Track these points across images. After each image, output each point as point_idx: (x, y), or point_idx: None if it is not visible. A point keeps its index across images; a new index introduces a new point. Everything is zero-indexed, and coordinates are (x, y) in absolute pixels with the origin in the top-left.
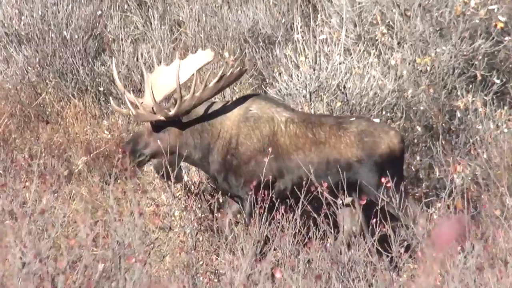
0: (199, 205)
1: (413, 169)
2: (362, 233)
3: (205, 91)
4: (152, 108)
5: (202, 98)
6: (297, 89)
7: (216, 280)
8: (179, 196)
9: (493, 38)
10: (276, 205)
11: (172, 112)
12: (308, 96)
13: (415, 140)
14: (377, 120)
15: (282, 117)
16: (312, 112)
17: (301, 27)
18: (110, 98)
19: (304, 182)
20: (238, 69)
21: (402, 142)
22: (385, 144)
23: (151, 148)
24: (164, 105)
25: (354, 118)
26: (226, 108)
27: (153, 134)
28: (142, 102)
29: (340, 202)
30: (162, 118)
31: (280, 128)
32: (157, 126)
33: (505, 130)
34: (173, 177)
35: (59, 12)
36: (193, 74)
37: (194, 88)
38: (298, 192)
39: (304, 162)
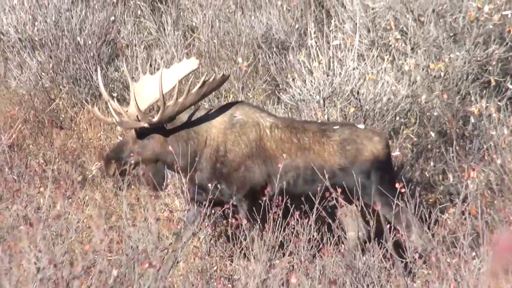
0: (213, 211)
1: (427, 175)
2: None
3: (188, 97)
4: (137, 116)
5: (185, 104)
6: (310, 95)
7: (230, 285)
8: None
9: (507, 43)
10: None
11: (155, 118)
12: (321, 101)
13: (429, 146)
14: (361, 126)
15: (267, 122)
16: (326, 118)
17: (314, 32)
18: (93, 108)
19: (291, 188)
20: (221, 75)
21: (387, 148)
22: (369, 151)
23: (135, 156)
24: (148, 113)
25: (337, 126)
26: (210, 116)
27: (138, 142)
28: (127, 111)
29: (343, 208)
30: (146, 125)
31: (265, 132)
32: (142, 134)
33: None
34: (157, 185)
35: (72, 18)
36: (177, 82)
37: (177, 94)
38: (287, 198)
39: (290, 166)
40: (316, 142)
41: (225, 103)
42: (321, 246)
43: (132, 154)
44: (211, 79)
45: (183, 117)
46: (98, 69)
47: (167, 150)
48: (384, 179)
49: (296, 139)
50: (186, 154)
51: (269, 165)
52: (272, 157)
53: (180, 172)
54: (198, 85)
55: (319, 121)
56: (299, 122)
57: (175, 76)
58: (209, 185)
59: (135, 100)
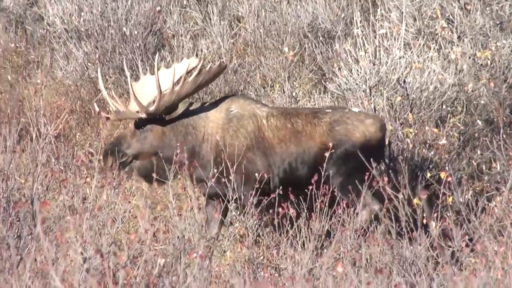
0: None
1: (474, 163)
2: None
3: (184, 85)
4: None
5: (182, 93)
6: (357, 84)
7: (277, 274)
8: None
9: None
10: (265, 201)
11: (152, 108)
12: (368, 90)
13: (476, 134)
14: (355, 109)
15: (263, 112)
16: (372, 107)
17: (360, 21)
18: (94, 104)
19: (291, 174)
20: (217, 64)
21: (380, 131)
22: (360, 132)
23: (133, 148)
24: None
25: (330, 110)
26: (207, 110)
27: (136, 134)
28: (127, 105)
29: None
30: (143, 115)
31: (262, 123)
32: (140, 126)
33: None
34: (160, 178)
35: (118, 8)
36: (175, 75)
37: (173, 83)
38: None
39: (286, 153)
40: (308, 124)
41: (219, 97)
42: (368, 234)
43: (130, 147)
44: (207, 68)
45: (180, 110)
46: (98, 69)
47: (166, 144)
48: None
49: (290, 123)
50: (185, 149)
51: (268, 155)
52: (270, 146)
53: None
54: (195, 73)
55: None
56: (293, 108)
57: (176, 75)
58: (211, 179)
59: (133, 93)
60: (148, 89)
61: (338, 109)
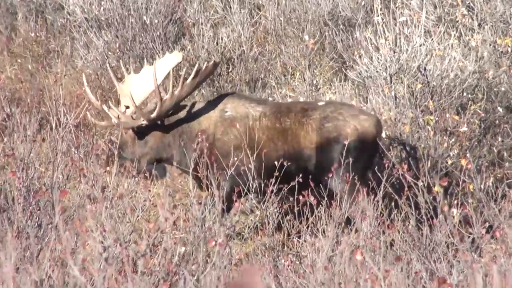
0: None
1: (495, 150)
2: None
3: (183, 88)
4: (131, 114)
5: (182, 96)
6: (377, 72)
7: (297, 262)
8: None
9: None
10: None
11: (154, 114)
12: (388, 78)
13: (497, 121)
14: (353, 103)
15: (256, 112)
16: (393, 95)
17: (381, 9)
18: (88, 113)
19: (275, 174)
20: (212, 62)
21: (374, 128)
22: (351, 128)
23: (135, 153)
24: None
25: (323, 103)
26: (203, 110)
27: (136, 140)
28: (124, 111)
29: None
30: (145, 122)
31: (255, 123)
32: (140, 132)
33: None
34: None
35: None
36: (167, 75)
37: (173, 87)
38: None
39: (274, 152)
40: (297, 122)
41: (217, 96)
42: (388, 222)
43: (132, 154)
44: (203, 68)
45: (178, 112)
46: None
47: (165, 146)
48: (364, 161)
49: (279, 123)
50: (181, 148)
51: (258, 154)
52: (260, 146)
53: (179, 167)
54: (192, 75)
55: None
56: (286, 105)
57: (161, 71)
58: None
59: (132, 98)
60: (135, 89)
61: (331, 103)
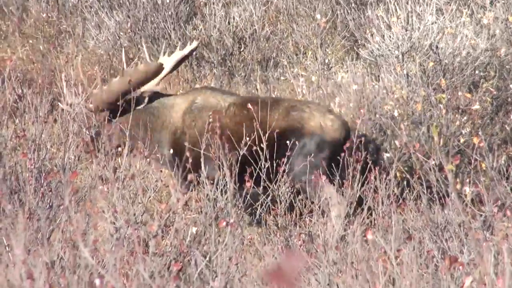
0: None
1: (507, 128)
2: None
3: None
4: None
5: (113, 91)
6: (389, 50)
7: (310, 241)
8: None
9: None
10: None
11: (90, 105)
12: (400, 56)
13: (509, 99)
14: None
15: (226, 102)
16: (405, 73)
17: None
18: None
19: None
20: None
21: (338, 130)
22: (316, 122)
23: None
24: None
25: (301, 102)
26: (173, 101)
27: (109, 127)
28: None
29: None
30: (92, 111)
31: (222, 112)
32: (108, 120)
33: None
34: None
35: None
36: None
37: (102, 82)
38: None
39: (241, 139)
40: (264, 109)
41: (191, 88)
42: (400, 201)
43: (104, 135)
44: (133, 68)
45: (147, 102)
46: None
47: (130, 134)
48: (319, 156)
49: (246, 110)
50: (146, 137)
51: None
52: (226, 131)
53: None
54: (119, 75)
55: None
56: (260, 97)
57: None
58: (171, 167)
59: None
60: None
61: (307, 101)
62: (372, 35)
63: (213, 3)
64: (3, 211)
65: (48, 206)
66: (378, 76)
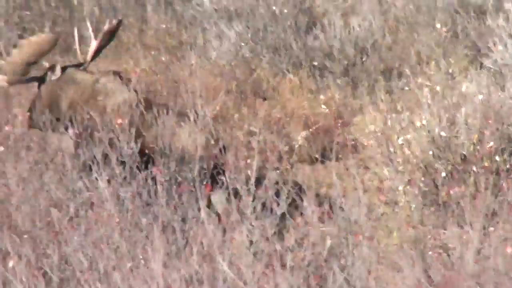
0: (422, 179)
1: None
2: None
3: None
4: None
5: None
6: None
7: (445, 254)
8: (402, 170)
9: None
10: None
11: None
12: None
13: None
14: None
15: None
16: None
17: None
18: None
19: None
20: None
21: None
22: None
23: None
24: None
25: None
26: (79, 79)
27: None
28: None
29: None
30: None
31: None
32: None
33: None
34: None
35: None
36: None
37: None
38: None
39: None
40: None
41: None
42: None
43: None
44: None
45: (57, 77)
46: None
47: (44, 109)
48: None
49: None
50: (58, 116)
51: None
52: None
53: None
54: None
55: None
56: None
57: None
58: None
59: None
60: None
61: None
62: (494, 44)
63: (332, 13)
64: (136, 224)
65: (180, 218)
66: (503, 85)
